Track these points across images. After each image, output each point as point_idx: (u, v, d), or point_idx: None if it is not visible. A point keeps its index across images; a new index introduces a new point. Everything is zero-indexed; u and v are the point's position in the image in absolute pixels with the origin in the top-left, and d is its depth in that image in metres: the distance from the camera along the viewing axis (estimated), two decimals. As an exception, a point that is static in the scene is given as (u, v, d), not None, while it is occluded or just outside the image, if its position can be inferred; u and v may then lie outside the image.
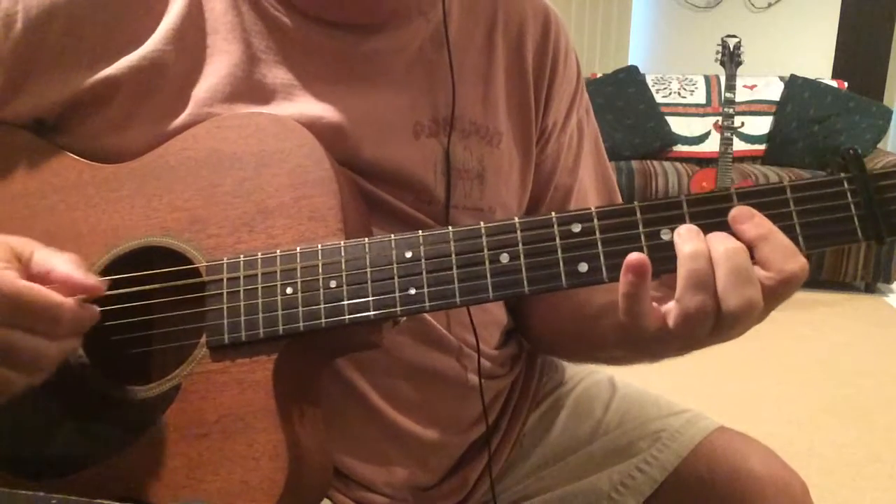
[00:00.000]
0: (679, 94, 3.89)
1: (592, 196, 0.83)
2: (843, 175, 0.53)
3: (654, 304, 0.54)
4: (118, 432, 0.59)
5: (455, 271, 0.56)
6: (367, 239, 0.58)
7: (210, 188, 0.61)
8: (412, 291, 0.57)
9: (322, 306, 0.57)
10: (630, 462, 0.77)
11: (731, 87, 3.08)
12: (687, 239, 0.52)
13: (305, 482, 0.58)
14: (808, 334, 2.92)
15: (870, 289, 3.56)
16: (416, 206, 0.69)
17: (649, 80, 3.92)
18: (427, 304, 0.56)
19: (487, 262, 0.56)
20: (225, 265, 0.59)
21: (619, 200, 0.85)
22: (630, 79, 3.89)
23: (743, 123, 3.74)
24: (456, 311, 0.72)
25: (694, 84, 3.92)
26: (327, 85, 0.66)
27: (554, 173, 0.80)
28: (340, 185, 0.60)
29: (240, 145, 0.61)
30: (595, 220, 0.55)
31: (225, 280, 0.59)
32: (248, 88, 0.65)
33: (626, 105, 3.79)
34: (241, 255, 0.59)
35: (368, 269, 0.57)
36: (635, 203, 0.55)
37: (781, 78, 3.88)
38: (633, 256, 0.51)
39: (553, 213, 0.56)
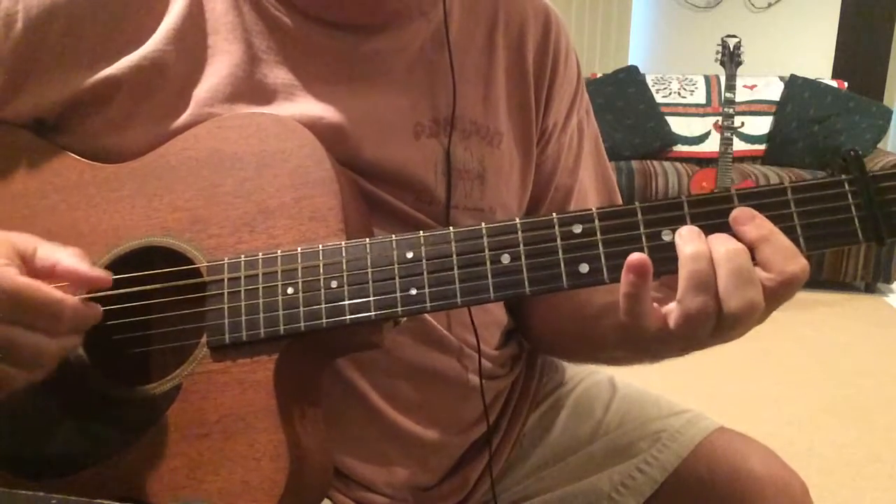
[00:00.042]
0: (679, 94, 3.89)
1: (593, 196, 0.83)
2: (843, 176, 0.53)
3: (655, 304, 0.54)
4: (118, 432, 0.59)
5: (456, 272, 0.56)
6: (368, 239, 0.58)
7: (211, 188, 0.61)
8: (413, 292, 0.57)
9: (323, 306, 0.57)
10: (630, 462, 0.77)
11: (731, 87, 3.08)
12: (688, 240, 0.53)
13: (306, 482, 0.59)
14: (808, 334, 2.92)
15: (870, 289, 3.56)
16: (417, 207, 0.69)
17: (649, 80, 3.92)
18: (428, 304, 0.56)
19: (488, 263, 0.56)
20: (226, 265, 0.59)
21: (620, 201, 0.85)
22: (630, 79, 3.89)
23: (743, 123, 3.74)
24: (456, 312, 0.72)
25: (694, 84, 3.92)
26: (328, 85, 0.66)
27: (554, 174, 0.80)
28: (341, 186, 0.60)
29: (241, 145, 0.61)
30: (596, 221, 0.55)
31: (226, 280, 0.59)
32: (248, 89, 0.65)
33: (626, 105, 3.78)
34: (242, 255, 0.59)
35: (369, 270, 0.57)
36: (636, 204, 0.55)
37: (781, 78, 3.88)
38: (635, 256, 0.52)
39: (554, 214, 0.56)
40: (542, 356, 0.87)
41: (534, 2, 0.77)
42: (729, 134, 3.10)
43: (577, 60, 0.82)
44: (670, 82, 3.94)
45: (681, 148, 3.79)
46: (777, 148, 3.74)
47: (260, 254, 0.59)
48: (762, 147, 3.78)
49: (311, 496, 0.62)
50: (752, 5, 4.49)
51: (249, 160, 0.61)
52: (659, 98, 3.86)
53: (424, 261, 0.57)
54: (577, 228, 0.55)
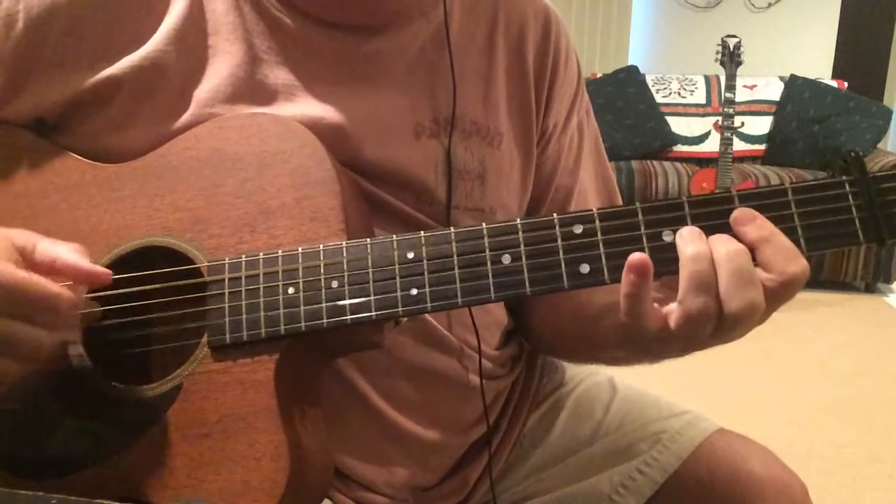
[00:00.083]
0: (679, 94, 3.89)
1: (593, 197, 0.83)
2: (844, 177, 0.53)
3: (656, 305, 0.54)
4: (119, 432, 0.59)
5: (457, 272, 0.56)
6: (368, 239, 0.58)
7: (212, 188, 0.61)
8: (414, 292, 0.57)
9: (324, 306, 0.57)
10: (630, 464, 0.77)
11: (731, 87, 3.08)
12: (689, 240, 0.53)
13: (307, 482, 0.59)
14: (808, 334, 2.92)
15: (870, 289, 3.56)
16: (417, 207, 0.69)
17: (649, 80, 3.92)
18: (429, 304, 0.56)
19: (489, 263, 0.56)
20: (227, 265, 0.59)
21: (620, 201, 0.85)
22: (630, 79, 3.89)
23: (743, 123, 3.74)
24: (457, 312, 0.72)
25: (694, 84, 3.92)
26: (328, 86, 0.67)
27: (554, 174, 0.80)
28: (342, 186, 0.60)
29: (242, 145, 0.61)
30: (597, 222, 0.55)
31: (227, 280, 0.59)
32: (249, 89, 0.65)
33: (626, 105, 3.79)
34: (243, 255, 0.59)
35: (370, 270, 0.57)
36: (637, 204, 0.55)
37: (781, 78, 3.88)
38: (636, 256, 0.52)
39: (555, 215, 0.56)
40: (542, 357, 0.87)
41: (534, 2, 0.78)
42: (729, 134, 3.10)
43: (578, 61, 0.82)
44: (670, 82, 3.94)
45: (681, 148, 3.79)
46: (777, 148, 3.74)
47: (261, 254, 0.59)
48: (762, 147, 3.79)
49: (312, 496, 0.62)
50: (752, 5, 4.49)
51: (250, 160, 0.61)
52: (659, 98, 3.86)
53: (425, 261, 0.57)
54: (578, 229, 0.55)
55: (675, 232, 0.54)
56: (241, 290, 0.58)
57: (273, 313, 0.57)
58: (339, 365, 0.66)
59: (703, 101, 3.87)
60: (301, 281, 0.58)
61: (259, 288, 0.58)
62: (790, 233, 0.53)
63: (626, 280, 0.52)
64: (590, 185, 0.83)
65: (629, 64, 4.17)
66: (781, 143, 3.72)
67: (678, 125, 3.81)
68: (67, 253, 0.54)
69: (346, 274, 0.57)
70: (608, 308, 0.66)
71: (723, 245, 0.52)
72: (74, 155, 0.65)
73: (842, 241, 0.53)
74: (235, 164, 0.61)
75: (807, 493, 0.73)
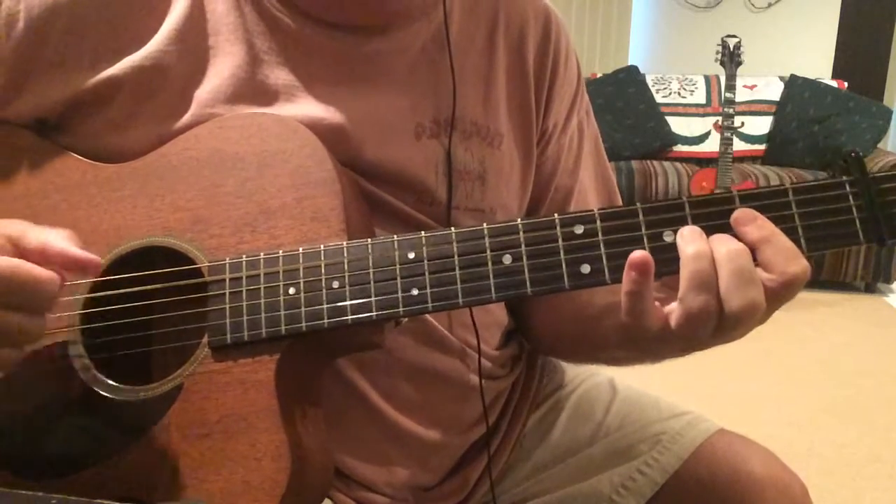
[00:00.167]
0: (679, 94, 3.89)
1: (592, 197, 0.83)
2: (844, 178, 0.53)
3: (657, 304, 0.54)
4: (119, 432, 0.59)
5: (458, 272, 0.56)
6: (369, 240, 0.58)
7: (212, 188, 0.61)
8: (415, 292, 0.57)
9: (325, 306, 0.57)
10: (630, 464, 0.77)
11: (731, 87, 3.08)
12: (690, 240, 0.53)
13: (307, 482, 0.59)
14: (808, 334, 2.92)
15: (870, 289, 3.56)
16: (418, 207, 0.69)
17: (649, 80, 3.92)
18: (430, 304, 0.56)
19: (490, 263, 0.56)
20: (227, 265, 0.59)
21: (620, 201, 0.85)
22: (630, 79, 3.89)
23: (743, 123, 3.74)
24: (457, 312, 0.72)
25: (694, 84, 3.92)
26: (329, 86, 0.67)
27: (554, 175, 0.80)
28: (343, 186, 0.60)
29: (242, 146, 0.61)
30: (598, 222, 0.55)
31: (227, 280, 0.59)
32: (250, 89, 0.65)
33: (626, 105, 3.79)
34: (244, 256, 0.59)
35: (371, 270, 0.57)
36: (637, 205, 0.55)
37: (781, 78, 3.88)
38: (637, 253, 0.52)
39: (556, 215, 0.56)
40: (543, 357, 0.87)
41: (534, 3, 0.78)
42: (729, 134, 3.10)
43: (578, 61, 0.82)
44: (670, 82, 3.94)
45: (681, 148, 3.79)
46: (777, 148, 3.74)
47: (262, 254, 0.59)
48: (762, 147, 3.78)
49: (312, 496, 0.62)
50: (752, 5, 4.49)
51: (251, 160, 0.61)
52: (659, 98, 3.86)
53: (426, 261, 0.57)
54: (579, 229, 0.55)
55: (675, 232, 0.54)
56: (241, 291, 0.58)
57: (274, 313, 0.57)
58: (339, 365, 0.66)
59: (703, 101, 3.87)
60: (302, 281, 0.58)
61: (260, 288, 0.58)
62: (791, 233, 0.53)
63: (627, 277, 0.52)
64: (590, 186, 0.83)
65: (629, 64, 4.17)
66: (781, 143, 3.72)
67: (678, 125, 3.81)
68: (58, 240, 0.53)
69: (346, 274, 0.57)
70: (609, 308, 0.66)
71: (723, 245, 0.52)
72: (75, 155, 0.65)
73: (842, 241, 0.54)
74: (236, 164, 0.61)
75: (807, 494, 0.73)
